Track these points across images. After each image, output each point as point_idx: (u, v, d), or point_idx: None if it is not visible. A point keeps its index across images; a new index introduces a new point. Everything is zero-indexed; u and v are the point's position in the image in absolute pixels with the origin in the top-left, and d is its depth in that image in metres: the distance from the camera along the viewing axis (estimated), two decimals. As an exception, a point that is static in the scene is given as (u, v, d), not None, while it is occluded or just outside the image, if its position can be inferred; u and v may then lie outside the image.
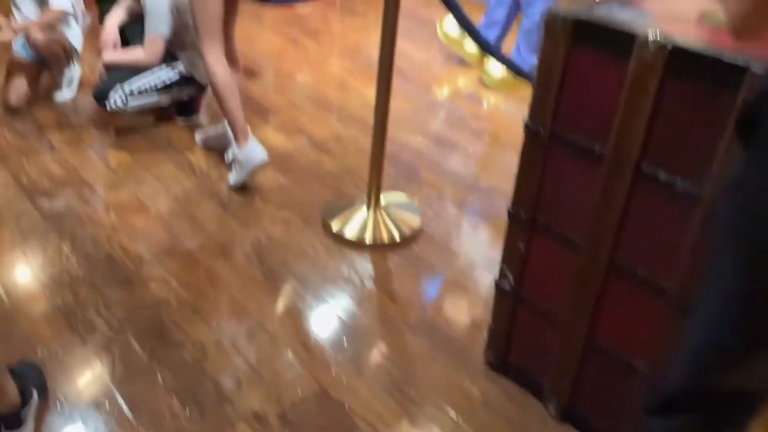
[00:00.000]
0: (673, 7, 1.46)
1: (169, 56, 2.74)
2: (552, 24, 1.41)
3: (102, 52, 2.74)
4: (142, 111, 2.77)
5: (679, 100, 1.26)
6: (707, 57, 1.20)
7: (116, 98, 2.61)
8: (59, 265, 2.06)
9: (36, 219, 2.26)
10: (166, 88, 2.74)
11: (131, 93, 2.64)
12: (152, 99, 2.72)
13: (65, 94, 3.06)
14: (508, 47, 3.61)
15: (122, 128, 2.87)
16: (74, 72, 3.10)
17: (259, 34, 4.07)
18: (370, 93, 3.31)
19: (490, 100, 3.46)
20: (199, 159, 2.70)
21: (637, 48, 1.28)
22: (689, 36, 1.29)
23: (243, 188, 2.50)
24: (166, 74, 2.73)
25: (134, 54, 2.72)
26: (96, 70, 2.76)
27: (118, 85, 2.62)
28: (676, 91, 1.26)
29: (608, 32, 1.34)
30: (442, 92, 3.59)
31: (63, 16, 2.92)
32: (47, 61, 2.98)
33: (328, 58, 3.86)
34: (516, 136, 3.10)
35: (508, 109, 3.37)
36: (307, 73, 3.63)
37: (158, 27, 2.65)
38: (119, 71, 2.69)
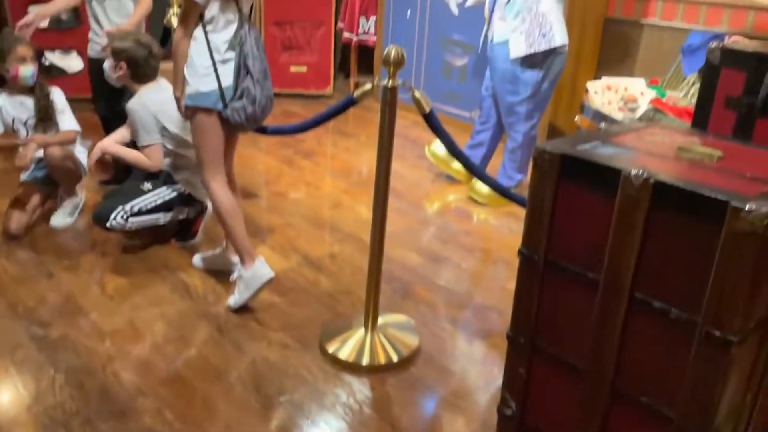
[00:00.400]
0: (653, 142, 1.56)
1: (168, 178, 2.85)
2: (540, 159, 1.50)
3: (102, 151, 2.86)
4: (142, 228, 2.82)
5: (666, 232, 1.32)
6: (689, 192, 1.28)
7: (117, 217, 2.69)
8: (53, 399, 2.01)
9: (31, 350, 2.24)
10: (166, 206, 2.83)
11: (132, 212, 2.72)
12: (152, 217, 2.81)
13: (67, 220, 3.12)
14: (495, 164, 3.76)
15: (119, 252, 2.91)
16: (79, 200, 3.17)
17: (256, 156, 4.22)
18: (364, 210, 3.42)
19: (480, 216, 3.56)
20: (195, 281, 2.72)
21: (622, 183, 1.36)
22: (671, 171, 1.38)
23: (239, 310, 2.50)
24: (166, 193, 2.83)
25: (138, 156, 2.84)
26: (96, 191, 2.84)
27: (120, 207, 2.71)
28: (662, 223, 1.32)
29: (594, 167, 1.42)
30: (434, 208, 3.69)
31: (76, 136, 3.06)
32: (58, 180, 3.06)
33: (322, 178, 3.99)
34: (506, 250, 3.20)
35: (497, 223, 3.46)
36: (302, 192, 3.74)
37: (149, 137, 2.80)
38: (120, 195, 2.79)
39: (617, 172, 1.36)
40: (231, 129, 2.42)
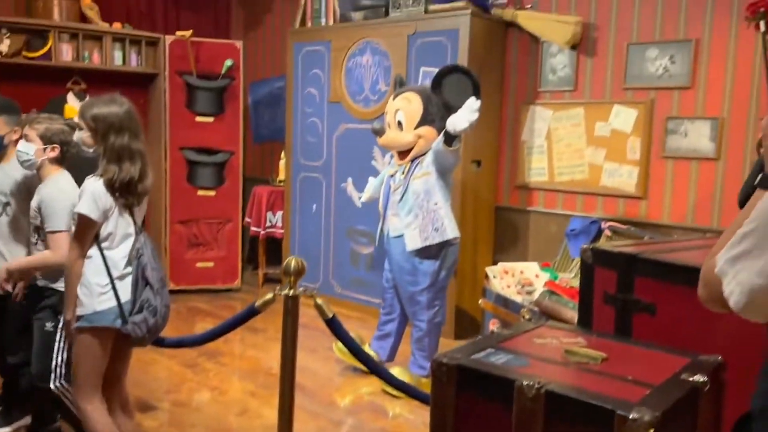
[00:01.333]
0: (542, 345, 1.63)
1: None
2: (438, 371, 1.52)
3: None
4: None
5: (564, 441, 1.34)
6: (577, 401, 1.32)
7: (56, 381, 2.57)
8: None
9: None
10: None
11: (62, 364, 2.56)
12: None
13: None
14: (406, 350, 3.76)
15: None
16: None
17: (158, 360, 4.01)
18: (272, 415, 3.23)
19: (395, 410, 3.47)
20: None
21: (516, 393, 1.39)
22: (560, 378, 1.42)
23: None
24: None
25: (35, 261, 2.64)
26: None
27: (50, 368, 2.56)
28: (559, 431, 1.34)
29: (488, 378, 1.45)
30: (346, 405, 3.57)
31: None
32: None
33: (228, 381, 3.82)
34: (423, 456, 3.08)
35: (412, 417, 3.37)
36: (205, 399, 3.54)
37: (61, 224, 2.57)
38: (38, 351, 2.60)
39: (510, 381, 1.40)
40: (128, 344, 2.33)
